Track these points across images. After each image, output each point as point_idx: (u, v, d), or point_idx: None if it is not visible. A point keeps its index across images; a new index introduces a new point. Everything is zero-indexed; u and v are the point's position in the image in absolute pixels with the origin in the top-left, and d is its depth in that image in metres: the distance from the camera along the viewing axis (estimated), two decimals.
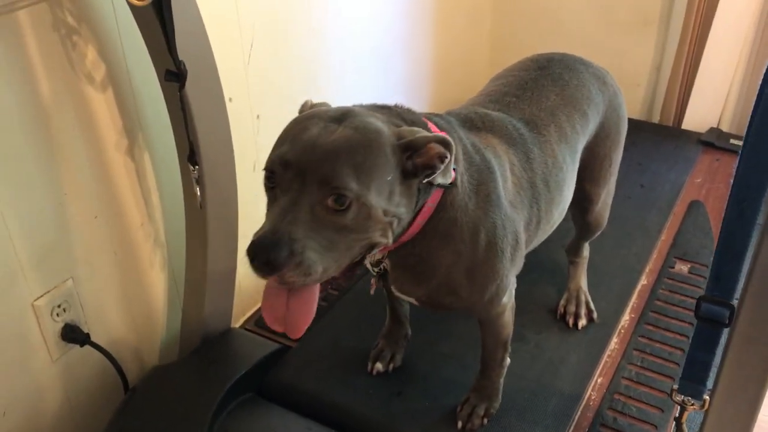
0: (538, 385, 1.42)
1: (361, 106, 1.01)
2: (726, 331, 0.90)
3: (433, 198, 1.01)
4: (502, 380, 1.35)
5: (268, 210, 0.92)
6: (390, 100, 1.05)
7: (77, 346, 1.32)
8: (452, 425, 1.34)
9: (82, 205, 1.27)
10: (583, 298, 1.60)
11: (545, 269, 1.73)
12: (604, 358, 1.51)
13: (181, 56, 1.14)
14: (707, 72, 2.36)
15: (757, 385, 0.87)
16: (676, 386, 1.00)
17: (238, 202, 1.42)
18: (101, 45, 1.22)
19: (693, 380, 0.97)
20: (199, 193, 1.29)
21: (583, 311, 1.58)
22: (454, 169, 0.98)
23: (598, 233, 1.57)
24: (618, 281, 1.72)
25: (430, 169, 0.95)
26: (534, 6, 2.58)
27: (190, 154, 1.25)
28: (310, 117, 0.95)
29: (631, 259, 1.80)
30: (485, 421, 1.34)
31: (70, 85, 1.18)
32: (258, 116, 1.59)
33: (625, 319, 1.62)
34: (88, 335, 1.33)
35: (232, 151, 1.35)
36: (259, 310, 1.71)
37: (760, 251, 0.81)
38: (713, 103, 2.41)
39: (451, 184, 1.01)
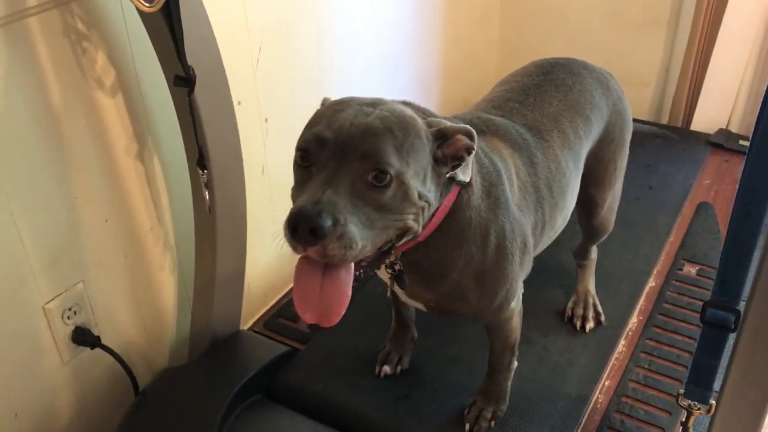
0: (546, 388, 1.42)
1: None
2: (732, 335, 0.90)
3: (450, 197, 1.01)
4: (509, 383, 1.35)
5: (300, 188, 0.90)
6: None
7: (88, 349, 1.33)
8: (459, 428, 1.34)
9: (93, 209, 1.28)
10: (590, 301, 1.60)
11: (552, 272, 1.73)
12: (612, 360, 1.51)
13: (189, 61, 1.15)
14: (716, 72, 2.35)
15: (763, 390, 0.87)
16: (682, 391, 1.01)
17: (247, 205, 1.43)
18: (111, 50, 1.23)
19: (699, 385, 0.97)
20: (207, 197, 1.30)
21: (590, 314, 1.58)
22: None
23: (605, 237, 1.57)
24: (626, 283, 1.72)
25: (458, 160, 0.96)
26: (542, 6, 2.58)
27: (199, 159, 1.26)
28: (342, 101, 0.95)
29: (639, 261, 1.80)
30: (492, 423, 1.34)
31: (80, 91, 1.19)
32: (266, 119, 1.60)
33: (633, 321, 1.62)
34: (98, 338, 1.34)
35: (240, 155, 1.36)
36: (267, 312, 1.72)
37: (767, 256, 0.81)
38: (722, 103, 2.40)
39: (467, 183, 1.02)
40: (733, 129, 2.41)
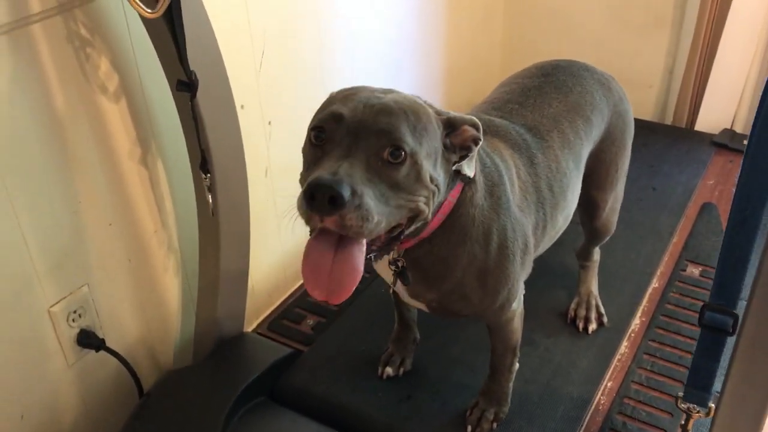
0: (548, 390, 1.43)
1: None
2: (731, 338, 0.90)
3: (454, 193, 1.02)
4: (511, 384, 1.36)
5: (312, 167, 0.90)
6: None
7: (92, 351, 1.35)
8: (462, 429, 1.35)
9: (97, 213, 1.29)
10: (593, 303, 1.60)
11: (555, 273, 1.74)
12: (614, 362, 1.51)
13: (192, 66, 1.16)
14: (720, 73, 2.34)
15: (763, 394, 0.87)
16: (681, 394, 1.01)
17: (251, 208, 1.44)
18: (114, 56, 1.24)
19: (698, 388, 0.97)
20: (211, 201, 1.31)
21: (593, 315, 1.59)
22: None
23: (607, 238, 1.57)
24: (629, 284, 1.72)
25: (465, 150, 0.98)
26: (546, 8, 2.58)
27: (201, 163, 1.27)
28: (353, 88, 0.96)
29: (642, 262, 1.80)
30: (494, 425, 1.35)
31: (84, 96, 1.20)
32: (270, 122, 1.61)
33: (636, 322, 1.62)
34: (103, 340, 1.35)
35: (243, 158, 1.37)
36: (271, 313, 1.73)
37: (765, 259, 0.81)
38: (727, 104, 2.39)
39: (470, 179, 1.03)
40: (738, 129, 2.41)
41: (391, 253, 1.06)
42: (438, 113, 0.98)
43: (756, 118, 0.76)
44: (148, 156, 1.36)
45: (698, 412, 1.00)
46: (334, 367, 1.51)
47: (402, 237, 0.97)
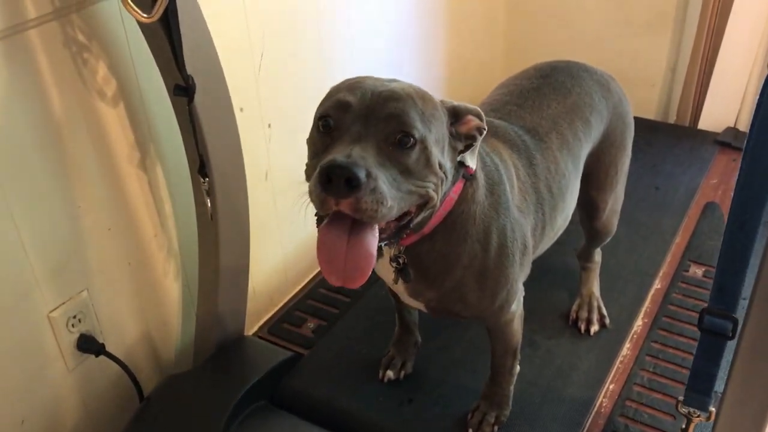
0: (549, 392, 1.42)
1: None
2: (731, 342, 0.90)
3: (456, 189, 1.02)
4: (512, 387, 1.35)
5: (320, 156, 0.90)
6: None
7: (92, 356, 1.34)
8: None
9: (96, 218, 1.29)
10: (595, 304, 1.60)
11: (557, 274, 1.73)
12: (616, 364, 1.50)
13: (189, 70, 1.16)
14: (723, 71, 2.33)
15: (764, 399, 0.86)
16: (682, 398, 1.00)
17: (251, 211, 1.44)
18: (112, 61, 1.24)
19: (698, 392, 0.96)
20: (209, 205, 1.31)
21: (595, 317, 1.58)
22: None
23: (608, 239, 1.57)
24: (631, 285, 1.71)
25: (470, 139, 0.99)
26: (547, 8, 2.57)
27: (200, 167, 1.27)
28: (357, 77, 0.96)
29: (645, 262, 1.79)
30: (496, 429, 1.34)
31: (82, 101, 1.20)
32: (269, 125, 1.60)
33: (638, 324, 1.61)
34: (103, 345, 1.35)
35: (242, 162, 1.36)
36: (272, 317, 1.73)
37: (765, 262, 0.81)
38: (730, 102, 2.38)
39: (471, 175, 1.03)
40: (741, 127, 2.39)
41: (392, 250, 1.06)
42: (442, 102, 0.98)
43: (753, 119, 0.76)
44: (146, 160, 1.35)
45: (699, 416, 0.99)
46: (334, 370, 1.50)
47: (411, 225, 0.96)
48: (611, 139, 1.38)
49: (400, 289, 1.16)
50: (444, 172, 0.94)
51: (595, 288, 1.63)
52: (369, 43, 1.92)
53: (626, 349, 1.54)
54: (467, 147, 1.00)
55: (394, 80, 0.96)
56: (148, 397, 1.40)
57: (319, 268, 1.87)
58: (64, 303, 1.28)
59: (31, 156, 1.15)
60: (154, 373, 1.52)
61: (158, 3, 1.05)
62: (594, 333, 1.56)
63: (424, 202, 0.94)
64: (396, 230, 0.95)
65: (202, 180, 1.28)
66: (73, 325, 1.30)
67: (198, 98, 1.19)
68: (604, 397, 1.43)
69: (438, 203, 0.96)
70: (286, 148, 1.65)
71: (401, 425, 1.37)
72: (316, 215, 0.96)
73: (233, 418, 1.35)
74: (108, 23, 1.21)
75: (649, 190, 2.07)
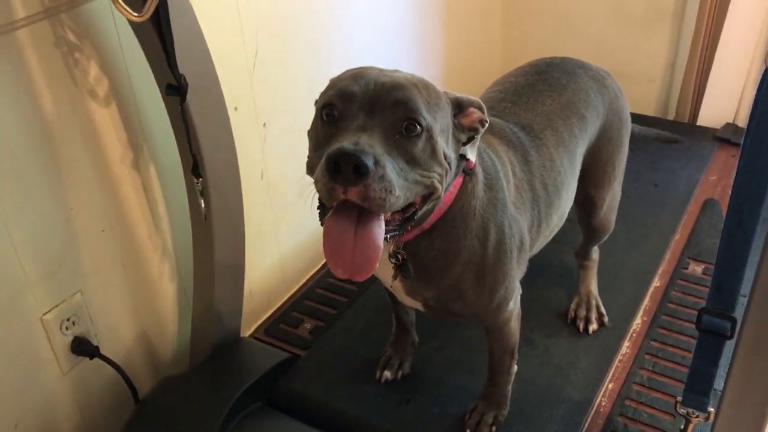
0: (548, 392, 1.41)
1: None
2: (729, 342, 0.89)
3: (455, 184, 1.01)
4: (510, 387, 1.34)
5: (324, 146, 0.88)
6: None
7: (87, 359, 1.33)
8: None
9: (89, 219, 1.28)
10: (593, 302, 1.58)
11: (555, 272, 1.72)
12: (615, 362, 1.49)
13: (181, 70, 1.15)
14: (722, 66, 2.32)
15: (763, 399, 0.85)
16: (680, 398, 0.99)
17: (247, 211, 1.43)
18: (104, 60, 1.22)
19: (696, 392, 0.95)
20: (203, 205, 1.30)
21: (593, 315, 1.57)
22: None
23: (606, 237, 1.56)
24: (630, 283, 1.70)
25: (473, 131, 0.98)
26: (545, 4, 2.56)
27: (193, 167, 1.26)
28: (359, 68, 0.95)
29: (644, 260, 1.78)
30: (494, 429, 1.33)
31: (73, 101, 1.19)
32: (264, 124, 1.59)
33: (637, 322, 1.60)
34: (97, 348, 1.34)
35: (236, 162, 1.35)
36: (269, 318, 1.72)
37: (763, 261, 0.79)
38: (729, 98, 2.37)
39: (471, 170, 1.03)
40: (740, 123, 2.38)
41: (391, 246, 1.05)
42: (445, 93, 0.98)
43: (751, 117, 0.74)
44: (140, 160, 1.34)
45: (697, 416, 0.98)
46: (331, 371, 1.49)
47: (415, 217, 0.95)
48: (608, 135, 1.37)
49: (397, 288, 1.15)
50: (448, 163, 0.93)
51: (594, 286, 1.62)
52: (365, 39, 1.91)
53: (625, 347, 1.53)
54: (469, 140, 0.99)
55: (397, 71, 0.95)
56: (143, 400, 1.39)
57: (315, 268, 1.87)
58: (57, 305, 1.27)
59: (22, 157, 1.14)
60: (149, 376, 1.51)
61: (149, 1, 1.03)
62: (593, 332, 1.55)
63: (429, 194, 0.92)
64: (401, 222, 0.93)
65: (195, 180, 1.27)
66: (66, 328, 1.29)
67: (190, 97, 1.18)
68: (603, 396, 1.42)
69: (442, 195, 0.95)
70: (281, 147, 1.64)
71: (399, 426, 1.36)
72: (318, 208, 0.94)
73: (229, 421, 1.34)
74: (99, 22, 1.19)
75: (647, 187, 2.06)
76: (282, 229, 1.75)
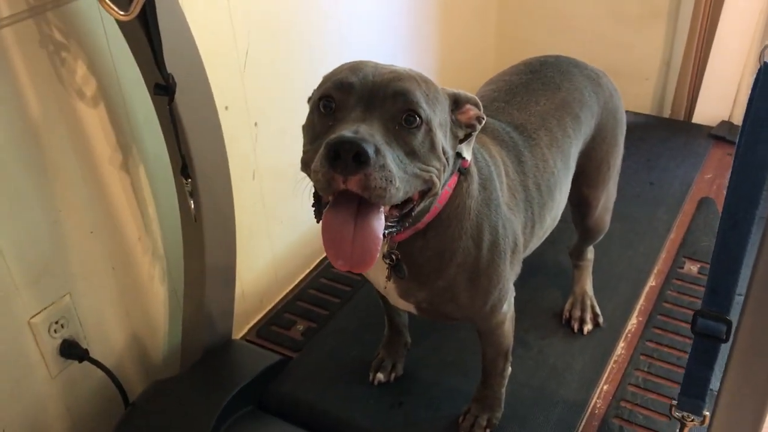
0: (542, 394, 1.40)
1: None
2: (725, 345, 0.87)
3: (451, 183, 1.00)
4: (504, 390, 1.33)
5: (321, 138, 0.87)
6: None
7: (76, 362, 1.32)
8: None
9: (77, 221, 1.26)
10: (588, 303, 1.57)
11: (549, 272, 1.70)
12: (610, 364, 1.48)
13: (169, 69, 1.13)
14: (717, 64, 2.31)
15: (759, 403, 0.84)
16: (675, 402, 0.98)
17: (239, 211, 1.41)
18: (91, 60, 1.20)
19: (692, 396, 0.94)
20: (193, 206, 1.28)
21: (588, 316, 1.55)
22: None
23: (601, 237, 1.54)
24: (625, 283, 1.69)
25: (470, 128, 0.97)
26: (540, 1, 2.54)
27: (182, 167, 1.24)
28: (357, 60, 0.94)
29: (639, 259, 1.76)
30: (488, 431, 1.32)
31: (60, 101, 1.17)
32: (256, 123, 1.57)
33: (632, 322, 1.59)
34: (86, 351, 1.32)
35: (226, 162, 1.33)
36: (261, 319, 1.70)
37: (759, 263, 0.78)
38: (724, 95, 2.36)
39: (466, 169, 1.02)
40: (736, 121, 2.37)
41: (385, 246, 1.03)
42: (443, 88, 0.97)
43: (745, 116, 0.73)
44: (129, 161, 1.33)
45: (692, 420, 0.97)
46: (323, 374, 1.48)
47: (413, 214, 0.93)
48: (602, 135, 1.35)
49: (390, 290, 1.13)
50: (447, 158, 0.92)
51: (589, 286, 1.60)
52: (358, 39, 1.89)
53: (620, 348, 1.52)
54: (466, 137, 0.98)
55: (393, 65, 0.94)
56: (133, 404, 1.37)
57: (309, 268, 1.86)
58: (45, 308, 1.25)
59: (7, 158, 1.12)
60: (140, 379, 1.49)
61: (135, 0, 1.02)
62: (587, 332, 1.54)
63: (427, 189, 0.91)
64: (398, 218, 0.92)
65: (184, 181, 1.26)
66: (55, 331, 1.27)
67: (179, 97, 1.16)
68: (598, 398, 1.41)
69: (439, 191, 0.94)
70: (273, 146, 1.63)
71: (392, 429, 1.35)
72: (313, 205, 0.92)
73: (220, 424, 1.32)
74: (86, 21, 1.17)
75: (643, 186, 2.05)
76: (275, 230, 1.73)
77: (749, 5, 2.18)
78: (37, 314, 1.24)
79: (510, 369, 1.31)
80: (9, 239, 1.15)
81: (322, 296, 1.73)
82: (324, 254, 1.88)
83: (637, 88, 2.50)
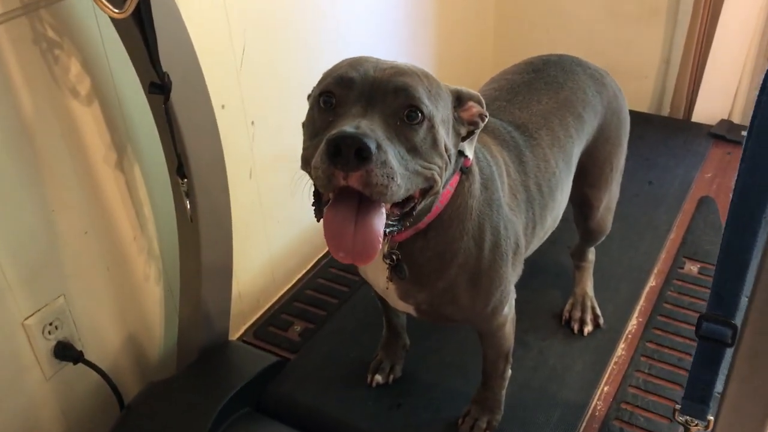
0: (542, 395, 1.38)
1: None
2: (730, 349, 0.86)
3: (452, 182, 0.99)
4: (504, 392, 1.32)
5: (321, 134, 0.85)
6: None
7: (71, 364, 1.30)
8: None
9: (72, 221, 1.24)
10: (588, 304, 1.56)
11: (550, 273, 1.69)
12: (611, 365, 1.47)
13: (165, 67, 1.12)
14: (717, 62, 2.30)
15: (763, 409, 0.83)
16: (679, 406, 0.96)
17: (235, 211, 1.40)
18: (85, 58, 1.19)
19: (695, 400, 0.93)
20: (189, 206, 1.27)
21: (588, 317, 1.54)
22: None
23: (602, 238, 1.53)
24: (625, 283, 1.67)
25: (473, 125, 0.96)
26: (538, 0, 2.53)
27: (178, 167, 1.23)
28: (357, 56, 0.93)
29: (639, 259, 1.75)
30: None
31: (54, 100, 1.16)
32: (252, 122, 1.56)
33: (633, 323, 1.57)
34: (81, 353, 1.30)
35: (222, 161, 1.32)
36: (258, 320, 1.69)
37: (764, 266, 0.77)
38: (724, 94, 2.35)
39: (468, 168, 1.00)
40: (735, 120, 2.36)
41: (386, 246, 1.02)
42: (445, 85, 0.95)
43: (753, 119, 0.71)
44: (124, 160, 1.31)
45: (696, 425, 0.95)
46: (321, 375, 1.46)
47: (414, 212, 0.92)
48: (606, 134, 1.34)
49: (390, 292, 1.12)
50: (449, 155, 0.91)
51: (589, 287, 1.59)
52: (355, 37, 1.87)
53: (621, 349, 1.51)
54: (468, 134, 0.97)
55: (394, 61, 0.93)
56: (128, 406, 1.36)
57: (306, 268, 1.84)
58: (39, 310, 1.23)
59: (1, 157, 1.10)
60: (135, 381, 1.47)
61: None
62: (588, 333, 1.53)
63: (429, 187, 0.90)
64: (399, 217, 0.90)
65: (180, 181, 1.24)
66: (49, 332, 1.26)
67: (174, 96, 1.15)
68: (598, 399, 1.39)
69: (441, 189, 0.92)
70: (270, 145, 1.61)
71: (391, 431, 1.34)
72: (313, 204, 0.91)
73: (217, 427, 1.31)
74: (80, 19, 1.16)
75: (642, 185, 2.04)
76: (272, 229, 1.71)
77: (749, 3, 2.17)
78: (31, 316, 1.22)
79: (510, 371, 1.30)
80: (2, 240, 1.13)
81: (320, 297, 1.71)
82: (322, 254, 1.87)
83: (636, 87, 2.48)
